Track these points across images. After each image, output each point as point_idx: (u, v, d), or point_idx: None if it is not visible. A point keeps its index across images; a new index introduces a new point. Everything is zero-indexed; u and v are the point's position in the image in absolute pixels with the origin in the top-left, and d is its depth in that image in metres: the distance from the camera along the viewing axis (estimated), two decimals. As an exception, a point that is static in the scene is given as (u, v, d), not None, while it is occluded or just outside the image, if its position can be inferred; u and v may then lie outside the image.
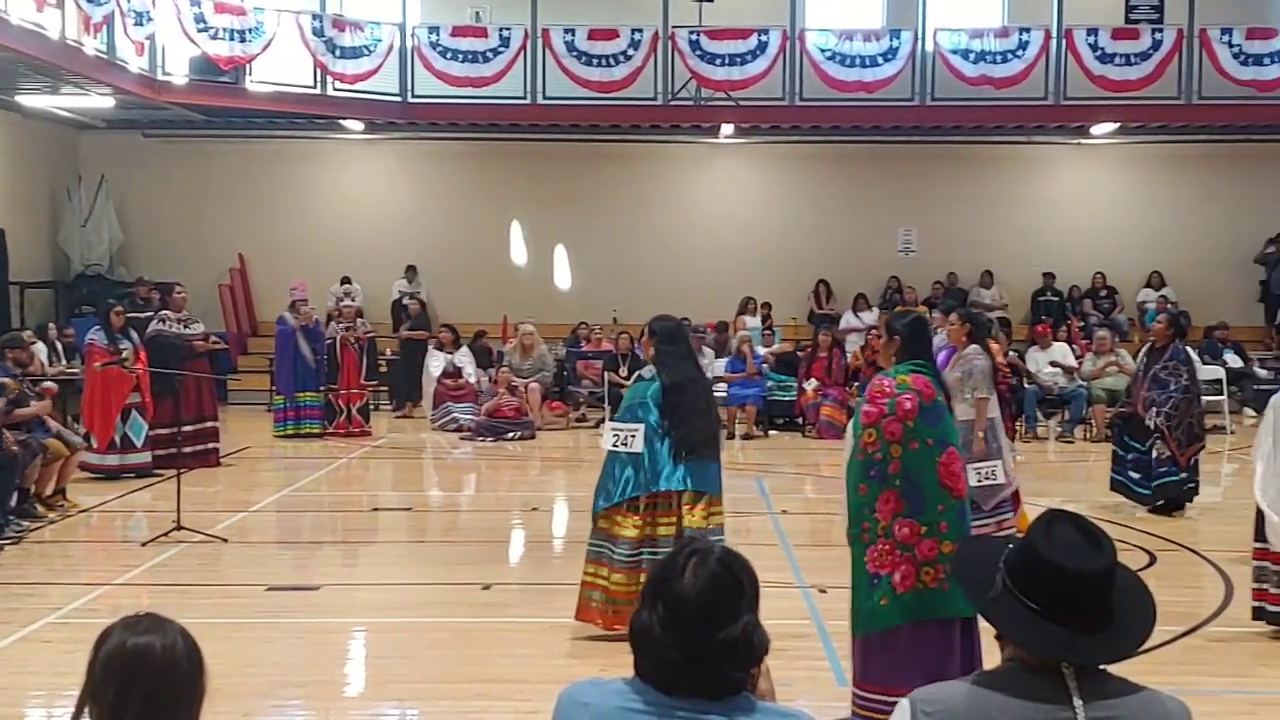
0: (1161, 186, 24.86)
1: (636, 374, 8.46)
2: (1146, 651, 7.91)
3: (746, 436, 19.27)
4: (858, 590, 6.30)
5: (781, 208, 24.96)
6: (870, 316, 22.56)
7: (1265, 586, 8.46)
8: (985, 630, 5.34)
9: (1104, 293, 24.61)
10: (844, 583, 9.84)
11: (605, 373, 20.56)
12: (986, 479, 10.11)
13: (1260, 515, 8.39)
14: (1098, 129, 24.03)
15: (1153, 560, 10.80)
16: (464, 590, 9.74)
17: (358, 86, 22.45)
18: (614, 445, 8.14)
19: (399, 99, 22.94)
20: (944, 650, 6.24)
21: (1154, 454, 12.91)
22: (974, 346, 10.55)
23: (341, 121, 23.78)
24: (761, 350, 21.07)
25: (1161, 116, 23.33)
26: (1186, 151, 24.68)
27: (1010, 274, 24.64)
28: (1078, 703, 2.78)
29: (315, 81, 22.45)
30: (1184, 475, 12.98)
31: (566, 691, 3.00)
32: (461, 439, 19.29)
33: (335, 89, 22.52)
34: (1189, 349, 13.12)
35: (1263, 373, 22.36)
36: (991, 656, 2.88)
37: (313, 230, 24.58)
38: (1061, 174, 25.26)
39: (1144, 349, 13.89)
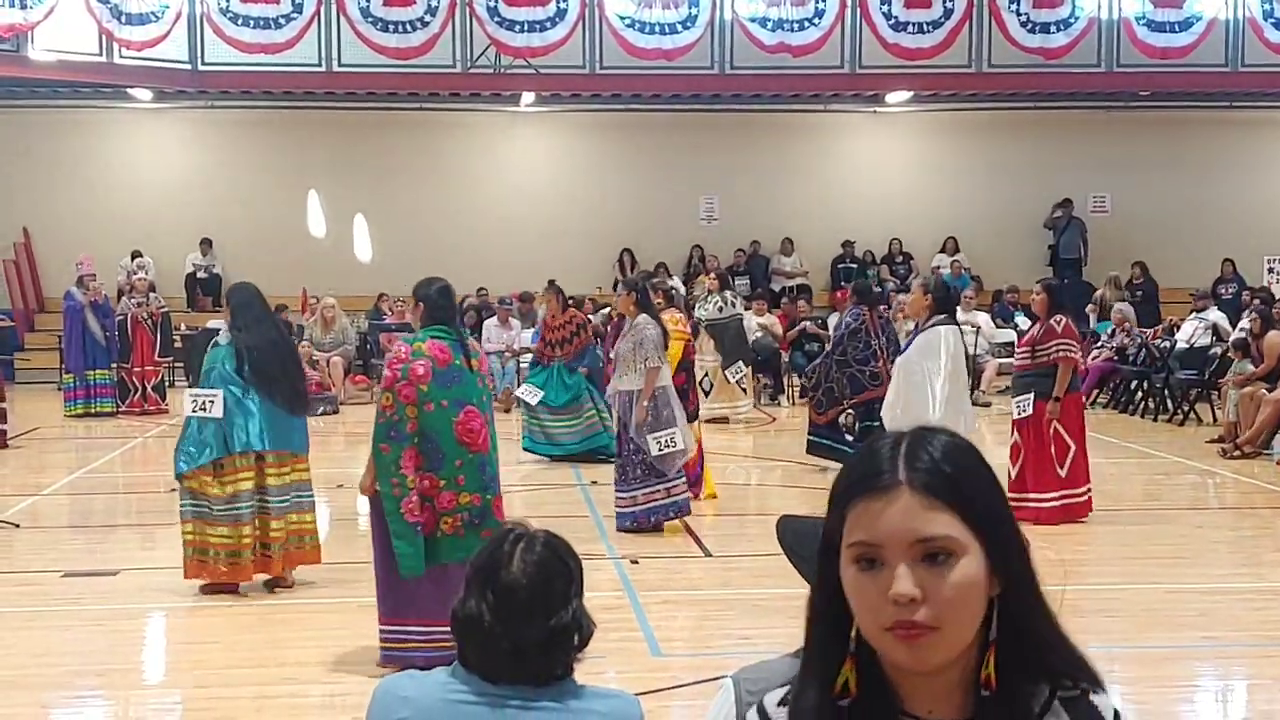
0: (954, 154, 25.40)
1: (213, 340, 8.77)
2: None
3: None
4: (400, 537, 6.82)
5: (584, 177, 24.92)
6: (671, 284, 22.59)
7: None
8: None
9: (900, 259, 25.09)
10: (656, 552, 10.02)
11: (408, 345, 20.26)
12: (666, 447, 10.29)
13: None
14: (892, 97, 24.46)
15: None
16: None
17: (145, 54, 21.76)
18: (194, 411, 8.47)
19: (189, 67, 22.29)
20: (451, 588, 6.65)
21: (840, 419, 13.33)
22: (644, 316, 10.66)
23: (129, 90, 23.05)
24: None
25: (953, 85, 23.85)
26: (978, 119, 25.27)
27: (810, 241, 24.98)
28: None
29: (101, 49, 21.69)
30: (820, 437, 13.32)
31: (383, 686, 2.92)
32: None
33: (122, 56, 21.80)
34: (864, 313, 13.38)
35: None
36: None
37: (101, 203, 23.79)
38: (858, 142, 25.67)
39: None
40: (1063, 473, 10.76)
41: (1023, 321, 22.43)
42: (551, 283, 15.52)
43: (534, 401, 14.47)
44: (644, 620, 8.14)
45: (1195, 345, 18.19)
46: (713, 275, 19.85)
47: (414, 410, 6.84)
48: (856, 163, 25.57)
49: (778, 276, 24.77)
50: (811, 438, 13.55)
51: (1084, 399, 11.60)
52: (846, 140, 25.66)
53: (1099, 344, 20.02)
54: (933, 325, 8.63)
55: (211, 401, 8.37)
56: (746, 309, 20.82)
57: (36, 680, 7.23)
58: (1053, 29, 22.76)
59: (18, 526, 11.11)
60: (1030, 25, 22.81)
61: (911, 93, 24.18)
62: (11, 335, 19.23)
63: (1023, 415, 10.90)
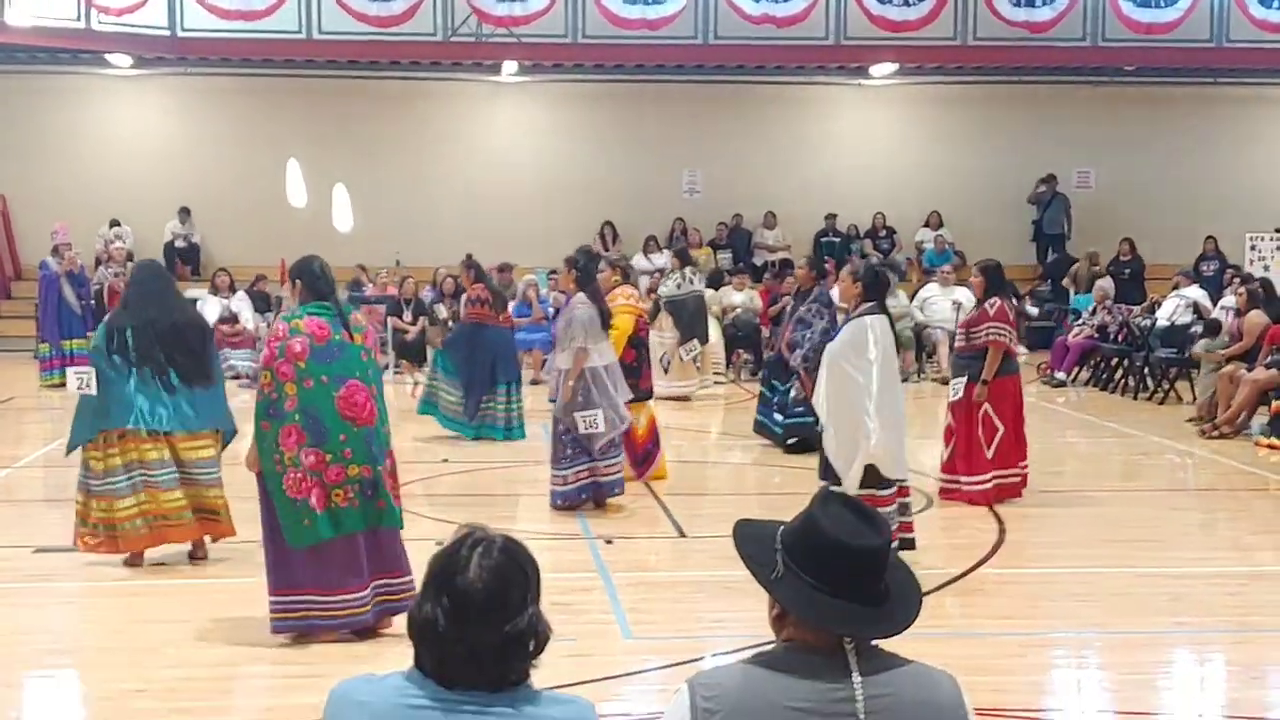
0: (939, 127, 25.36)
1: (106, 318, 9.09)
2: (925, 594, 8.06)
3: (534, 382, 19.04)
4: (283, 510, 7.09)
5: (566, 148, 24.82)
6: (661, 259, 22.52)
7: None
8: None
9: (884, 233, 25.07)
10: (630, 532, 10.00)
11: (388, 318, 20.18)
12: (589, 427, 10.30)
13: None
14: (877, 69, 24.40)
15: (930, 503, 11.01)
16: (246, 548, 9.41)
17: (124, 20, 21.62)
18: (77, 388, 8.76)
19: (168, 33, 22.17)
20: (353, 558, 7.15)
21: (791, 393, 13.20)
22: (580, 295, 10.57)
23: (107, 57, 22.89)
24: (547, 294, 20.93)
25: (938, 58, 23.81)
26: (963, 93, 25.24)
27: (794, 215, 24.94)
28: (857, 679, 2.84)
29: (79, 14, 21.54)
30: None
31: (337, 691, 2.90)
32: (240, 387, 18.73)
33: (100, 23, 21.64)
34: (832, 293, 13.42)
35: (1033, 310, 23.08)
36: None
37: (79, 170, 23.63)
38: (843, 115, 25.61)
39: (792, 293, 14.24)
40: (989, 454, 10.74)
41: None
42: (469, 256, 15.49)
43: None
44: (616, 602, 8.12)
45: (1176, 323, 18.19)
46: (672, 251, 19.87)
47: (293, 387, 7.05)
48: (841, 136, 25.51)
49: (760, 250, 24.72)
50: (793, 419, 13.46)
51: (1020, 380, 11.46)
52: (831, 113, 25.59)
53: (1080, 321, 20.04)
54: (860, 314, 8.62)
55: (88, 377, 8.65)
56: (726, 284, 20.84)
57: (7, 658, 7.19)
58: (1038, 3, 22.76)
59: (-10, 500, 11.05)
60: (1016, -1, 22.78)
61: (896, 65, 24.13)
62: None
63: (955, 398, 10.91)
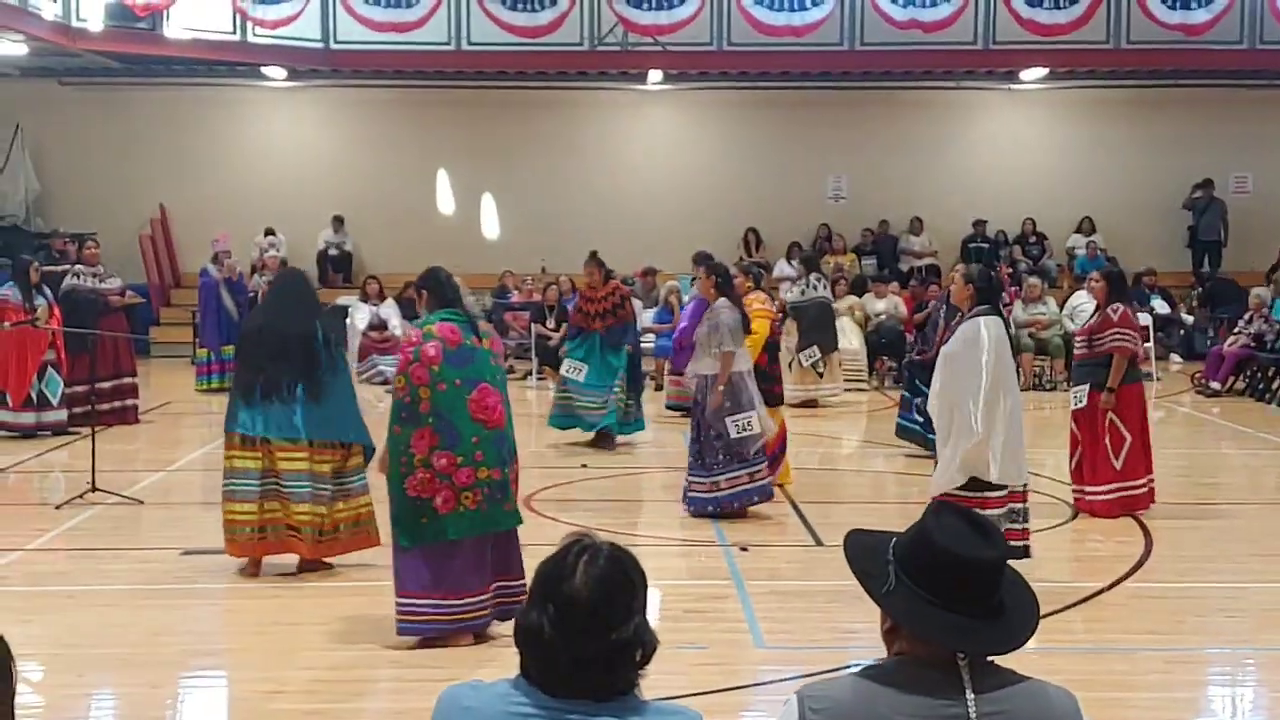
0: (1091, 132, 24.86)
1: None
2: (1064, 610, 7.91)
3: (658, 388, 18.90)
4: (400, 510, 7.20)
5: (710, 155, 24.79)
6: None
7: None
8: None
9: (1034, 239, 24.64)
10: (767, 540, 9.94)
11: (532, 324, 20.34)
12: (744, 430, 10.26)
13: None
14: (1027, 74, 24.01)
15: (1074, 515, 10.78)
16: (381, 551, 9.53)
17: (279, 33, 22.05)
18: None
19: (321, 46, 22.57)
20: (479, 560, 7.26)
21: None
22: (722, 300, 10.56)
23: (263, 69, 23.37)
24: (689, 300, 20.87)
25: (1090, 61, 23.35)
26: (1116, 96, 24.71)
27: (940, 221, 24.63)
28: (970, 696, 2.77)
29: (235, 28, 22.04)
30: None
31: (445, 696, 2.90)
32: (388, 393, 18.96)
33: (255, 35, 22.12)
34: None
35: (1189, 318, 22.54)
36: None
37: (235, 180, 24.18)
38: (992, 120, 25.24)
39: (940, 298, 13.96)
40: (1118, 465, 10.46)
41: (1159, 305, 21.94)
42: (594, 254, 15.37)
43: (580, 378, 14.05)
44: (750, 610, 8.06)
45: (1335, 332, 17.65)
46: (799, 258, 19.75)
47: (426, 391, 7.13)
48: (990, 141, 25.14)
49: (906, 256, 24.47)
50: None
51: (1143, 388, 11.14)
52: (979, 118, 25.25)
53: (1235, 330, 19.51)
54: (974, 315, 8.47)
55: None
56: (867, 291, 20.68)
57: (151, 658, 7.31)
58: (1194, 5, 22.14)
59: (142, 503, 11.27)
60: (1171, 1, 22.21)
61: (1047, 69, 23.71)
62: (144, 311, 19.61)
63: (1078, 406, 10.66)
